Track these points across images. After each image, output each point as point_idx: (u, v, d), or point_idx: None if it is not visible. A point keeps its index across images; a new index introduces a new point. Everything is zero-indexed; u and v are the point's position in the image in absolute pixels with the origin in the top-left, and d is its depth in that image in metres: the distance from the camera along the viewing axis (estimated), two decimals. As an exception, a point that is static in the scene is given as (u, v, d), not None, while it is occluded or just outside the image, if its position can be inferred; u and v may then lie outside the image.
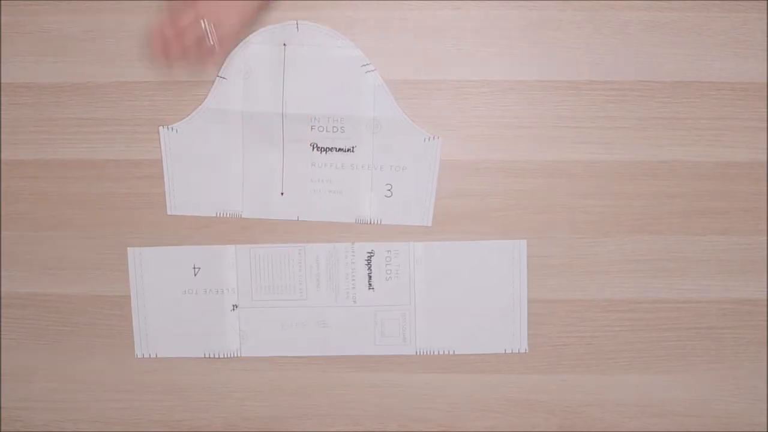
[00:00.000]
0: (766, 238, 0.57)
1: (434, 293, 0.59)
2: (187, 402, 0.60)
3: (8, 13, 0.56)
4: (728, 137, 0.56)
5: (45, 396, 0.61)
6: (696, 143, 0.57)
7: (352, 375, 0.60)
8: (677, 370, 0.59)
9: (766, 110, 0.56)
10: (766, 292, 0.58)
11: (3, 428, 0.61)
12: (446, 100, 0.57)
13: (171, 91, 0.57)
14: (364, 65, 0.56)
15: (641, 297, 0.58)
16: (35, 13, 0.56)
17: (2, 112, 0.58)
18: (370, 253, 0.59)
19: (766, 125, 0.56)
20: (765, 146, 0.56)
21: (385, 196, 0.58)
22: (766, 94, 0.56)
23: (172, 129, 0.57)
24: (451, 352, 0.59)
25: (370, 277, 0.59)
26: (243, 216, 0.58)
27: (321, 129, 0.57)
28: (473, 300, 0.59)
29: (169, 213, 0.58)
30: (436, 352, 0.59)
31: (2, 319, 0.60)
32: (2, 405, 0.61)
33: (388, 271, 0.59)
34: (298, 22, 0.56)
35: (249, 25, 0.54)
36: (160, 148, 0.57)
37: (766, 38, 0.55)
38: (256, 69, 0.56)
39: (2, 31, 0.56)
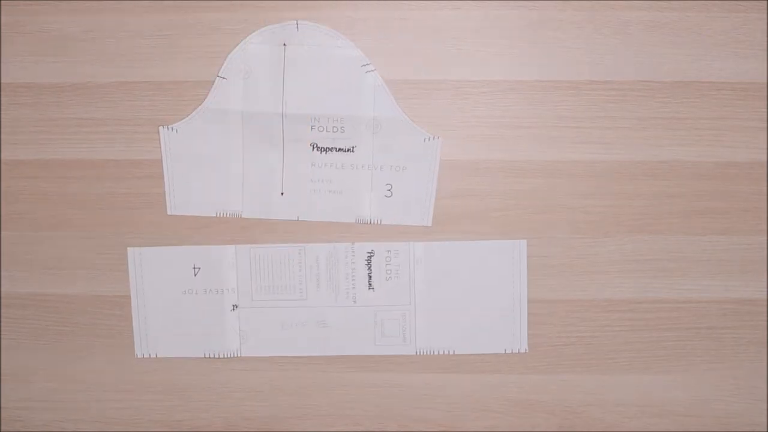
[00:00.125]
0: (766, 238, 0.57)
1: (434, 293, 0.59)
2: (187, 402, 0.60)
3: (8, 13, 0.56)
4: (728, 137, 0.56)
5: (45, 396, 0.61)
6: (696, 143, 0.57)
7: (352, 375, 0.60)
8: (677, 370, 0.59)
9: (766, 110, 0.56)
10: (766, 292, 0.58)
11: (3, 428, 0.61)
12: (446, 100, 0.57)
13: (171, 91, 0.57)
14: (364, 65, 0.56)
15: (641, 297, 0.58)
16: (35, 13, 0.56)
17: (2, 112, 0.58)
18: (370, 253, 0.59)
19: (766, 125, 0.56)
20: (765, 146, 0.56)
21: (385, 196, 0.58)
22: (766, 94, 0.56)
23: (172, 129, 0.57)
24: (451, 352, 0.59)
25: (370, 277, 0.59)
26: (243, 216, 0.58)
27: (321, 129, 0.57)
28: (473, 300, 0.59)
29: (169, 213, 0.58)
30: (436, 352, 0.59)
31: (2, 319, 0.60)
32: (2, 405, 0.61)
33: (388, 271, 0.59)
34: (298, 22, 0.56)
35: None
36: (160, 148, 0.57)
37: (766, 38, 0.55)
38: (256, 69, 0.56)
39: (2, 31, 0.56)
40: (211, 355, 0.60)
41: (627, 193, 0.57)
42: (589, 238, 0.58)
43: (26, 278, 0.59)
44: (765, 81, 0.56)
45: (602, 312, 0.59)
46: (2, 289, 0.60)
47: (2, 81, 0.57)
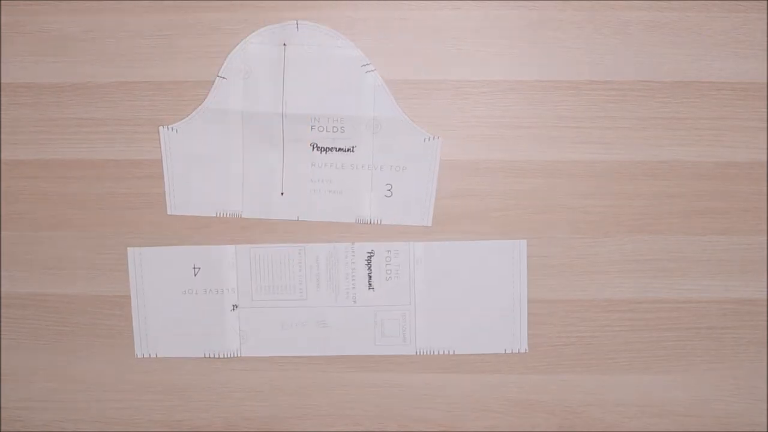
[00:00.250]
0: (766, 238, 0.57)
1: (434, 293, 0.59)
2: (187, 402, 0.60)
3: (8, 13, 0.56)
4: (728, 137, 0.56)
5: (45, 396, 0.61)
6: (696, 143, 0.57)
7: (352, 375, 0.60)
8: (677, 370, 0.59)
9: (766, 110, 0.56)
10: (766, 292, 0.58)
11: (3, 428, 0.61)
12: (446, 100, 0.57)
13: (171, 91, 0.57)
14: (364, 65, 0.56)
15: (641, 297, 0.58)
16: (35, 13, 0.56)
17: (2, 112, 0.58)
18: (370, 253, 0.59)
19: (766, 125, 0.56)
20: (765, 146, 0.56)
21: (385, 196, 0.58)
22: (766, 94, 0.56)
23: (172, 129, 0.57)
24: (451, 352, 0.59)
25: (370, 277, 0.59)
26: (243, 216, 0.58)
27: (321, 129, 0.57)
28: (473, 300, 0.59)
29: (169, 213, 0.58)
30: (436, 352, 0.59)
31: (2, 319, 0.60)
32: (2, 405, 0.61)
33: (388, 271, 0.59)
34: (298, 22, 0.56)
35: None
36: (160, 148, 0.57)
37: (766, 38, 0.55)
38: (256, 69, 0.56)
39: (2, 31, 0.56)
40: (211, 355, 0.60)
41: (627, 193, 0.57)
42: (589, 238, 0.58)
43: (26, 278, 0.59)
44: (765, 81, 0.56)
45: (602, 312, 0.59)
46: (2, 289, 0.60)
47: (2, 81, 0.57)
